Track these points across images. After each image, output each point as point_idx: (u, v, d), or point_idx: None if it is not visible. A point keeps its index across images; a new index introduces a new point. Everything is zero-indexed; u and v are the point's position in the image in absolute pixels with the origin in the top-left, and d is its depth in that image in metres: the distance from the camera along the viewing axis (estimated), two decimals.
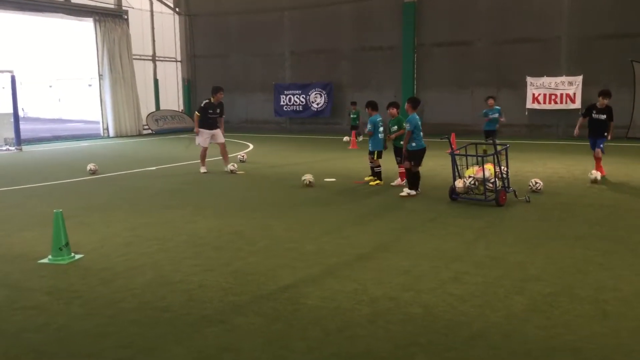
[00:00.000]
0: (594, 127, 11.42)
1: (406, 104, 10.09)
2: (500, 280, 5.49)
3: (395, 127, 10.80)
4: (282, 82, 25.99)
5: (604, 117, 11.27)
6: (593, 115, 11.38)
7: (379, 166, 11.20)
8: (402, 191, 10.04)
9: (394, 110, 10.88)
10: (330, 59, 24.94)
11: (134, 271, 5.94)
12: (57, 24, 31.22)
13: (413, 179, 9.93)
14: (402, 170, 10.59)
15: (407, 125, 9.79)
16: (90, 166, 13.27)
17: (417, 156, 9.86)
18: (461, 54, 22.28)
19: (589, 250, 6.50)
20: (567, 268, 5.86)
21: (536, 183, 10.09)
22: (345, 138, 20.09)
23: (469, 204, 9.16)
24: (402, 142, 10.33)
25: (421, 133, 9.88)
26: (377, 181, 11.14)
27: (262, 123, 26.80)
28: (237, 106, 26.41)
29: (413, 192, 9.86)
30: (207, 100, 13.05)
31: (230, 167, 13.07)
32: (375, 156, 11.13)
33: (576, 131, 11.85)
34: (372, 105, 11.20)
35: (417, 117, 9.87)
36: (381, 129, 11.10)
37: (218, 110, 13.06)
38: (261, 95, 26.63)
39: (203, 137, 13.03)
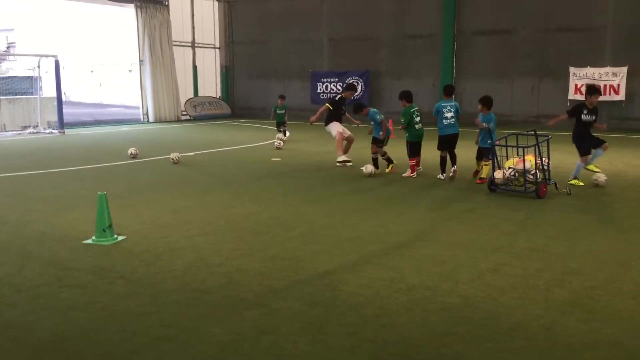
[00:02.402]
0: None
1: (479, 105, 10.18)
2: (540, 272, 5.43)
3: (403, 119, 10.81)
4: (319, 69, 25.95)
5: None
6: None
7: (375, 154, 11.30)
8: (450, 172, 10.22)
9: (402, 102, 10.90)
10: (368, 46, 24.76)
11: (175, 253, 6.07)
12: (99, 9, 31.85)
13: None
14: (413, 162, 10.75)
15: (491, 125, 9.85)
16: (131, 150, 13.52)
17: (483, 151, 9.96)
18: (502, 42, 21.85)
19: (631, 245, 6.38)
20: (609, 262, 5.76)
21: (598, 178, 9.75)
22: (278, 136, 17.09)
23: (508, 196, 9.05)
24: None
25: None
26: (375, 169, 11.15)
27: (299, 110, 26.71)
28: (274, 93, 26.45)
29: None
30: (341, 95, 13.19)
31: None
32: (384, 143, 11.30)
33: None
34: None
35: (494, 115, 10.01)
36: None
37: (344, 107, 13.14)
38: (298, 82, 26.64)
39: (337, 126, 12.60)
